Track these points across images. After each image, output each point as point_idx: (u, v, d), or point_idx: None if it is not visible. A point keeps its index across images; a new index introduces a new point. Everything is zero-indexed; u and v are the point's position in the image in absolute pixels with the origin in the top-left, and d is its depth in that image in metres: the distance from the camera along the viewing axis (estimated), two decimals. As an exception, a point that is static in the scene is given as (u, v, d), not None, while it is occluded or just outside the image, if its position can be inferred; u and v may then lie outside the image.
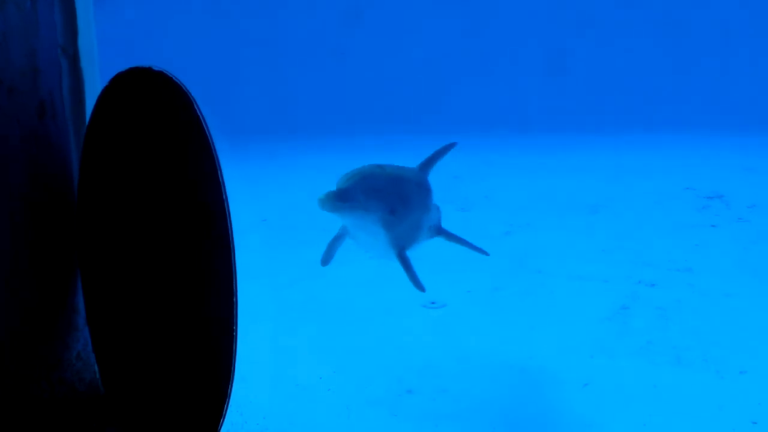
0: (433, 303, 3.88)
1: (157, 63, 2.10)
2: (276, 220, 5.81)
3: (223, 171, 2.06)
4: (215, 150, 2.05)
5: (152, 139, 2.11)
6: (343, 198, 2.59)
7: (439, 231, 3.24)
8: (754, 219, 5.64)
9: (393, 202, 2.76)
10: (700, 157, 8.68)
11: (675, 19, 15.18)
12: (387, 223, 2.77)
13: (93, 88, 2.39)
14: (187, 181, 2.10)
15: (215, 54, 14.42)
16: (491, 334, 3.48)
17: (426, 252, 3.09)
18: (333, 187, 2.67)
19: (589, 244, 5.05)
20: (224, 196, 2.06)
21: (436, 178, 3.20)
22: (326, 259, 3.15)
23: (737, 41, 14.72)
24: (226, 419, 2.18)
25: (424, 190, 3.12)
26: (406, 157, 3.29)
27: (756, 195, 6.36)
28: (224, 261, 2.07)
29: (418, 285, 2.91)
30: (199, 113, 2.05)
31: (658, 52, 14.91)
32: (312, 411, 2.73)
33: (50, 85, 2.20)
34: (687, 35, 14.91)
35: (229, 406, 2.17)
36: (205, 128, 2.05)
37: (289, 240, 4.98)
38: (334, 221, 2.99)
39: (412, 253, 2.96)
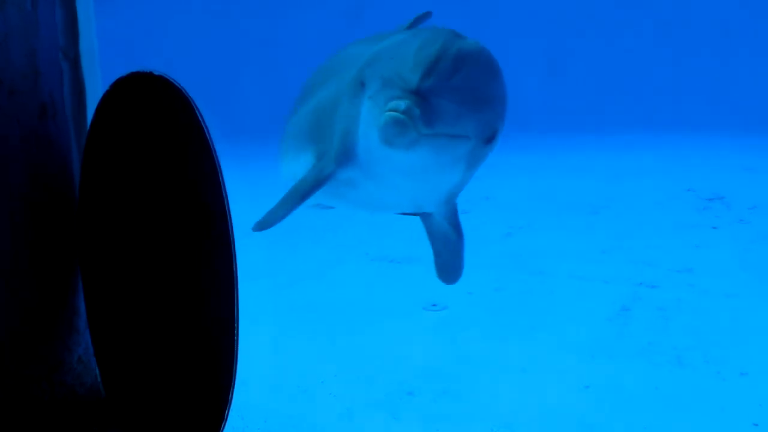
0: (434, 305, 3.87)
1: (158, 63, 2.10)
2: (276, 220, 5.79)
3: (223, 171, 2.05)
4: (215, 151, 2.04)
5: (153, 141, 2.11)
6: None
7: None
8: (754, 220, 5.63)
9: (493, 118, 1.73)
10: (701, 157, 8.67)
11: (675, 18, 15.16)
12: (472, 159, 1.78)
13: (94, 88, 2.39)
14: (188, 182, 2.09)
15: (215, 55, 14.41)
16: (492, 336, 3.47)
17: (425, 252, 3.04)
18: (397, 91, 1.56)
19: (590, 244, 5.04)
20: (224, 196, 2.05)
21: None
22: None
23: (737, 41, 14.70)
24: (227, 423, 2.18)
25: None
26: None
27: (757, 196, 6.34)
28: (224, 261, 2.07)
29: (459, 266, 1.90)
30: (199, 115, 2.04)
31: (658, 52, 14.89)
32: (313, 414, 2.72)
33: (51, 86, 2.19)
34: (687, 35, 14.89)
35: (231, 409, 2.17)
36: (205, 129, 2.04)
37: (289, 240, 4.98)
38: (334, 215, 2.52)
39: None
